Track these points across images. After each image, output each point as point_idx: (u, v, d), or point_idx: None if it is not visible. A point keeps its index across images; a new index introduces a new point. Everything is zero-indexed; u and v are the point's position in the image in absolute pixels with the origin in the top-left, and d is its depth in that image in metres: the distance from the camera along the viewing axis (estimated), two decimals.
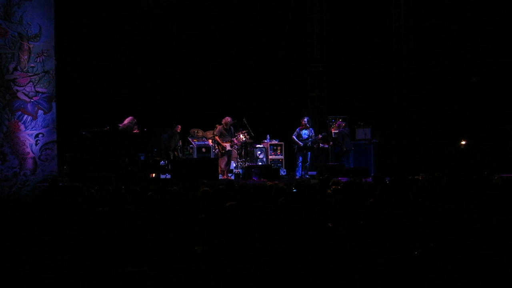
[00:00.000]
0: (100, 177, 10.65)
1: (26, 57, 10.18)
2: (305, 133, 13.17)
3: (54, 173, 10.39)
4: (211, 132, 13.97)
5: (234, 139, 13.31)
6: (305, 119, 13.23)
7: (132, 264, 3.58)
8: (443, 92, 15.04)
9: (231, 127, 13.17)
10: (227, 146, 12.96)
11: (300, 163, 13.15)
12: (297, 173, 13.07)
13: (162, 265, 3.72)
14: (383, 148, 13.88)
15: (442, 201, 5.35)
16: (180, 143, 14.02)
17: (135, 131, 12.15)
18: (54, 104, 10.45)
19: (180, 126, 13.85)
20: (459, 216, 4.60)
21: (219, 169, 12.73)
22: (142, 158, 12.35)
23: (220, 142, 12.90)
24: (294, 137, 13.20)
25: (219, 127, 13.16)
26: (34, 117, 10.22)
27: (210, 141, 13.76)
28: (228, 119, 13.05)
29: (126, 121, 11.94)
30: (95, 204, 5.39)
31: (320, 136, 13.41)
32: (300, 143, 13.10)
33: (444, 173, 7.98)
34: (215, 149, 13.37)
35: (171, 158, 13.35)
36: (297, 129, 13.22)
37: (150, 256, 3.86)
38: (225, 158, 12.92)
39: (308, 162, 13.22)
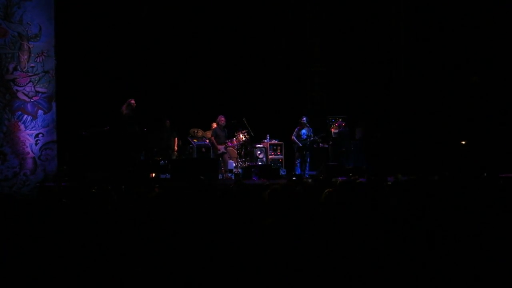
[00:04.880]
0: (100, 177, 10.65)
1: (26, 57, 10.19)
2: (304, 132, 13.20)
3: (54, 173, 10.40)
4: (211, 131, 13.98)
5: (228, 141, 13.31)
6: (304, 119, 13.28)
7: (131, 264, 3.59)
8: (443, 92, 15.03)
9: (225, 129, 13.15)
10: (222, 148, 12.90)
11: (299, 163, 13.18)
12: (297, 173, 13.09)
13: (161, 266, 3.73)
14: (382, 148, 13.87)
15: (443, 202, 5.36)
16: (178, 141, 14.02)
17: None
18: (54, 104, 10.46)
19: (168, 121, 13.84)
20: (460, 217, 4.60)
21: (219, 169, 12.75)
22: (142, 158, 12.36)
23: (215, 144, 12.86)
24: (294, 137, 13.24)
25: (214, 127, 13.14)
26: (34, 117, 10.23)
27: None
28: (222, 118, 13.03)
29: (123, 108, 11.92)
30: (94, 204, 5.39)
31: (316, 137, 13.43)
32: (299, 143, 13.13)
33: (445, 174, 7.99)
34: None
35: (172, 157, 13.37)
36: (296, 129, 13.27)
37: (149, 257, 3.86)
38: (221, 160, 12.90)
39: (308, 162, 13.24)
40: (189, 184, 7.18)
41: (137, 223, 4.56)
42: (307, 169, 13.35)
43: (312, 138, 13.21)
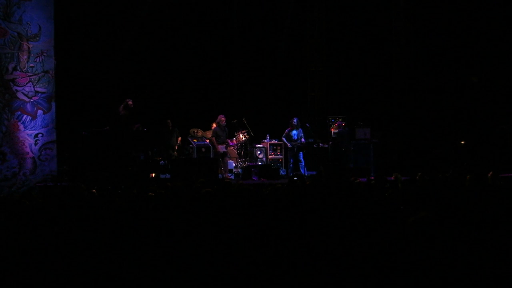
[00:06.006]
0: (100, 177, 10.65)
1: (25, 57, 10.20)
2: (294, 133, 13.25)
3: (53, 173, 10.40)
4: (211, 132, 13.97)
5: (229, 140, 13.30)
6: (294, 120, 13.30)
7: (129, 264, 3.58)
8: (443, 91, 15.02)
9: (226, 128, 13.14)
10: (222, 147, 12.88)
11: (292, 164, 13.22)
12: (290, 173, 13.13)
13: (160, 266, 3.72)
14: (383, 148, 13.87)
15: (442, 202, 5.35)
16: (180, 141, 14.04)
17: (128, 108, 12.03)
18: (53, 104, 10.46)
19: (170, 121, 13.85)
20: (459, 217, 4.59)
21: (219, 169, 12.74)
22: (142, 158, 12.36)
23: (215, 144, 12.84)
24: (284, 138, 13.31)
25: (214, 127, 13.13)
26: (34, 117, 10.23)
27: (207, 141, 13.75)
28: (222, 118, 13.00)
29: (121, 109, 11.93)
30: (94, 204, 5.39)
31: (303, 141, 13.42)
32: (289, 144, 13.18)
33: (444, 173, 7.97)
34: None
35: (172, 157, 13.37)
36: (287, 130, 13.33)
37: (148, 257, 3.86)
38: (221, 160, 12.89)
39: (302, 162, 13.26)
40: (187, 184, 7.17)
41: (137, 223, 4.55)
42: (305, 169, 13.36)
43: (300, 142, 13.26)
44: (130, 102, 11.93)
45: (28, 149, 10.17)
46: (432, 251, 3.78)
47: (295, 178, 8.86)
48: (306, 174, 12.97)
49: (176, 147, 13.95)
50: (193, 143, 13.88)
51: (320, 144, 14.36)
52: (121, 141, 11.72)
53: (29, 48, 10.25)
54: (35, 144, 10.23)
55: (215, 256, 3.78)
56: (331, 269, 3.63)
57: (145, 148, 12.26)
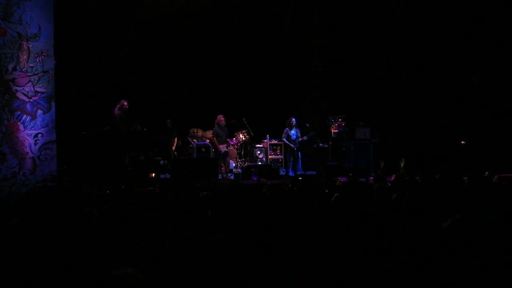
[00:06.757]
0: (100, 177, 10.65)
1: (25, 57, 10.18)
2: (293, 133, 13.29)
3: (53, 173, 10.39)
4: (211, 131, 13.98)
5: (230, 140, 13.31)
6: (293, 119, 13.33)
7: (126, 265, 3.57)
8: (443, 91, 15.01)
9: (226, 128, 13.15)
10: (223, 147, 12.90)
11: (291, 163, 13.25)
12: (290, 173, 13.15)
13: (159, 267, 3.71)
14: (383, 148, 13.87)
15: (442, 202, 5.34)
16: (177, 141, 14.03)
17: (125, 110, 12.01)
18: (53, 104, 10.44)
19: (169, 121, 13.86)
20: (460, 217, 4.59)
21: (219, 169, 12.75)
22: (142, 158, 12.37)
23: (216, 144, 12.87)
24: (285, 139, 13.32)
25: (215, 127, 13.15)
26: (33, 117, 10.22)
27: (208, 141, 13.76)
28: (221, 117, 13.03)
29: (116, 109, 11.93)
30: (93, 204, 5.38)
31: (305, 137, 13.44)
32: (291, 144, 13.21)
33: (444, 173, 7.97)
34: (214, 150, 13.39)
35: (171, 157, 13.38)
36: (286, 130, 13.36)
37: (147, 258, 3.85)
38: (221, 160, 12.90)
39: (300, 162, 13.30)
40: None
41: (136, 222, 4.55)
42: (300, 168, 13.40)
43: (299, 141, 13.28)
44: (126, 104, 11.92)
45: (28, 149, 10.16)
46: (432, 251, 3.78)
47: (300, 178, 8.90)
48: (300, 173, 13.01)
49: (173, 148, 13.93)
50: (193, 143, 13.88)
51: (320, 144, 14.36)
52: (119, 141, 11.72)
53: (29, 48, 10.24)
54: (35, 144, 10.21)
55: (214, 256, 3.78)
56: (331, 269, 3.63)
57: (145, 148, 12.27)
